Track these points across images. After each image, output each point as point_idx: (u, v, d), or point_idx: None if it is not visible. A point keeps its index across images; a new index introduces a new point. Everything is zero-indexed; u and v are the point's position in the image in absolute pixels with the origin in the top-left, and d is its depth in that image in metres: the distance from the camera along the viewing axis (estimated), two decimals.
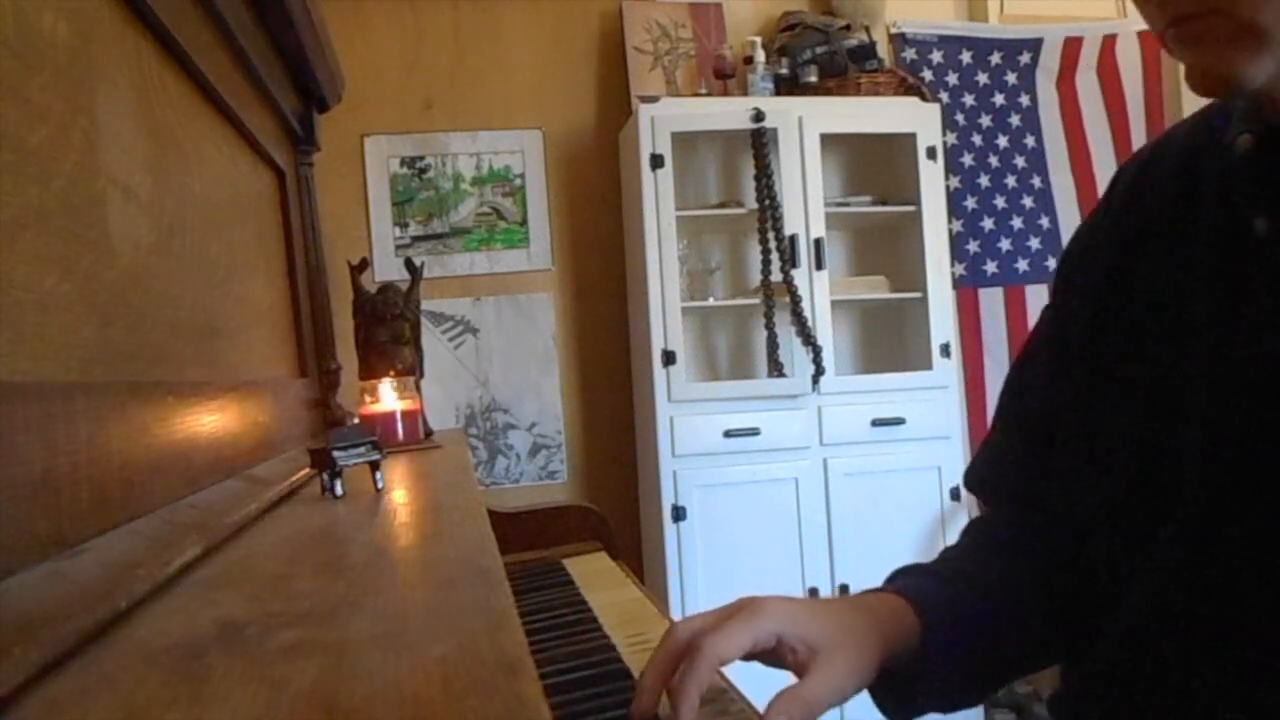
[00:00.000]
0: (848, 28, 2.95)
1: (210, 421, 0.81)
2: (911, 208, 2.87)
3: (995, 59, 3.21)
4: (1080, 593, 0.67)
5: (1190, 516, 0.58)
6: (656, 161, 2.65)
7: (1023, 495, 0.75)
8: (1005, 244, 3.21)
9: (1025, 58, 3.23)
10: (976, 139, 3.20)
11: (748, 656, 0.59)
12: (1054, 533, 0.70)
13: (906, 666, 0.63)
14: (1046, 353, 0.74)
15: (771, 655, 0.60)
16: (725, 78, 2.88)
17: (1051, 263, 3.18)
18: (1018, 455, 0.76)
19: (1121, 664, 0.63)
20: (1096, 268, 0.69)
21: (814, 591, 2.66)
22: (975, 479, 0.81)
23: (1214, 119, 0.64)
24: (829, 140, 2.81)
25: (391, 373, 1.52)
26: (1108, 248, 0.69)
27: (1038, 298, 3.18)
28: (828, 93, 2.85)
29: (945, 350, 2.82)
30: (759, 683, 0.62)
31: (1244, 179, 0.59)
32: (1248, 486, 0.55)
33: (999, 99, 3.22)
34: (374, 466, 0.92)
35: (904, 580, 0.69)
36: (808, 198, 2.74)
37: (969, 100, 3.20)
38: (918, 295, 2.86)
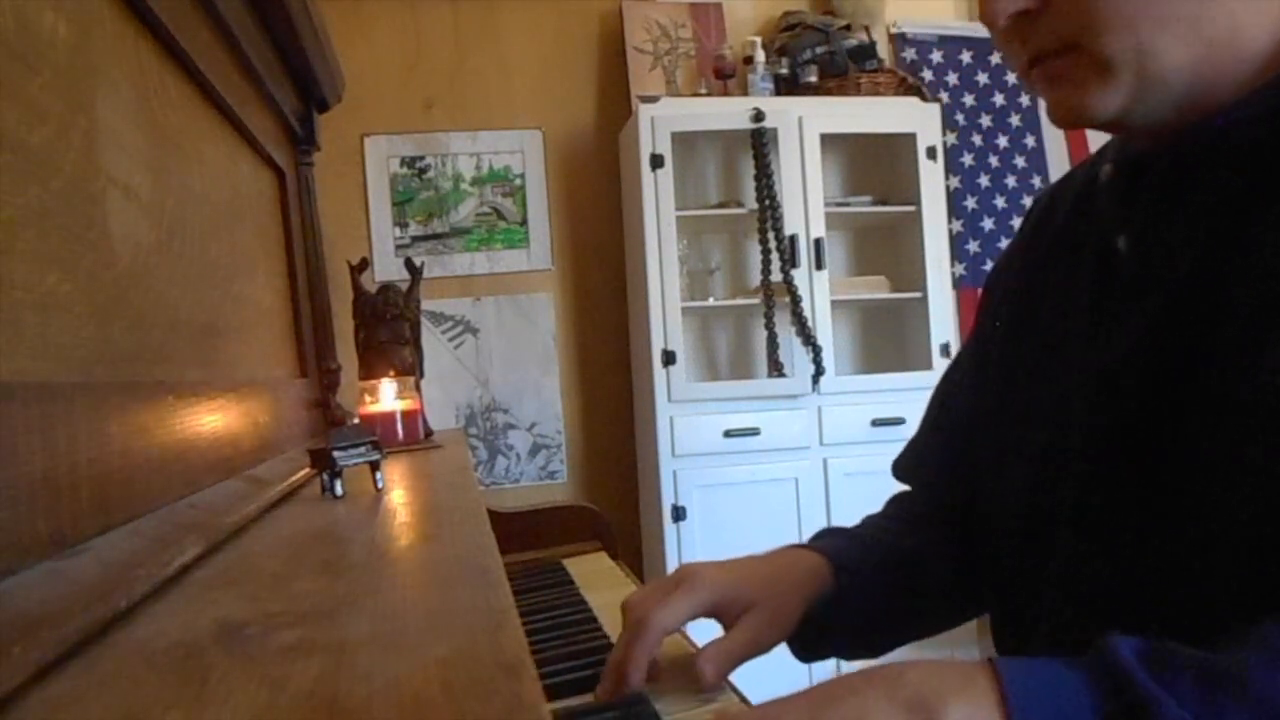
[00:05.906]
0: (848, 28, 2.95)
1: (210, 421, 0.81)
2: (911, 208, 2.87)
3: (995, 59, 3.21)
4: (989, 579, 0.73)
5: (1077, 517, 0.62)
6: (656, 161, 2.65)
7: (942, 486, 0.83)
8: (1005, 244, 3.20)
9: None
10: (976, 139, 3.20)
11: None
12: (966, 521, 0.77)
13: (818, 617, 0.71)
14: (971, 359, 0.81)
15: (712, 616, 0.69)
16: (725, 78, 2.88)
17: None
18: (939, 450, 0.84)
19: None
20: (1010, 285, 0.77)
21: None
22: (901, 467, 0.89)
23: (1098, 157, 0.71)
24: (829, 140, 2.81)
25: (391, 373, 1.52)
26: (1019, 268, 0.77)
27: None
28: (828, 93, 2.85)
29: (945, 350, 2.82)
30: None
31: (1108, 204, 0.67)
32: (1124, 485, 0.59)
33: (999, 99, 3.23)
34: (374, 466, 0.92)
35: (826, 540, 0.77)
36: (808, 198, 2.74)
37: (969, 100, 3.20)
38: (918, 295, 2.86)
